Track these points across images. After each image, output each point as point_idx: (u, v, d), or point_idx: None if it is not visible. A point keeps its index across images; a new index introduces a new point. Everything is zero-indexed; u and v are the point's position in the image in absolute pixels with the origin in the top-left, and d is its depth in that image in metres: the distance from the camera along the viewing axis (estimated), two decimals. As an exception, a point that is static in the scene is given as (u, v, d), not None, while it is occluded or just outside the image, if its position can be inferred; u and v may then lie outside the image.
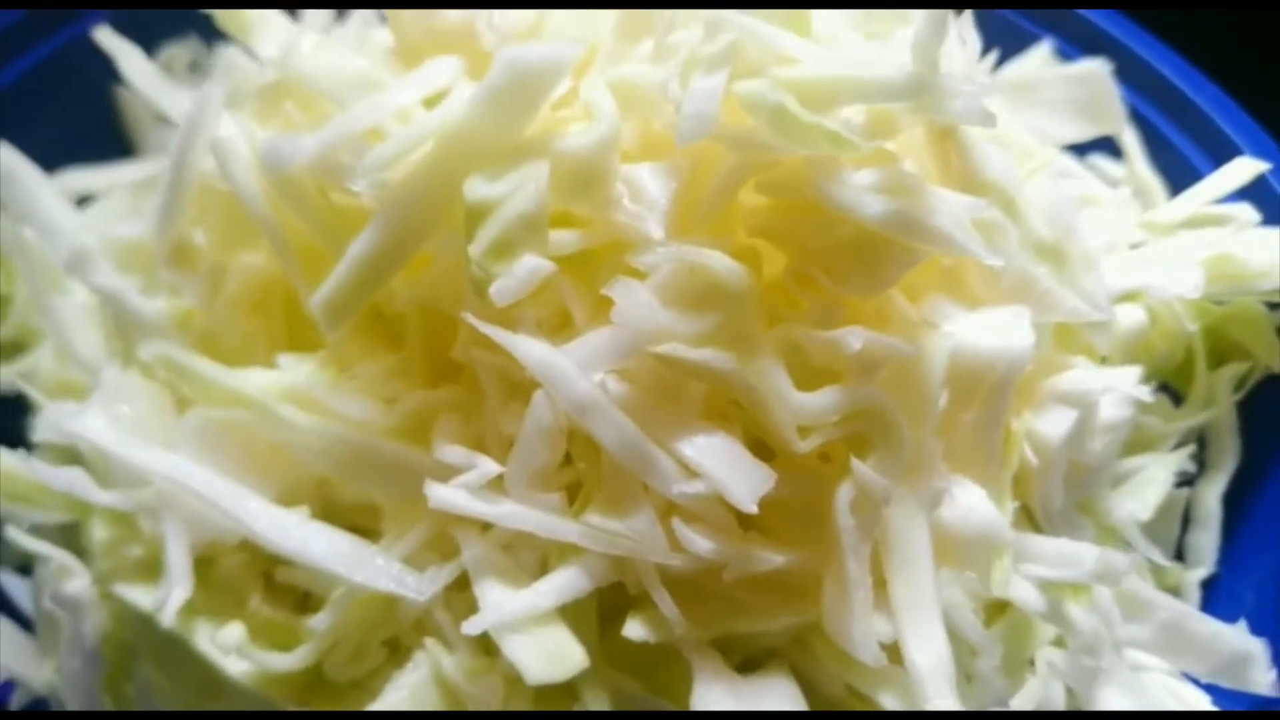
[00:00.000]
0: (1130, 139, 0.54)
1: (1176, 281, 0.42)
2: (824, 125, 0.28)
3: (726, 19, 0.30)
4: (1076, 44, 0.58)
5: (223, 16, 0.39)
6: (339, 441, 0.32)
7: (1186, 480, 0.48)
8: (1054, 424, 0.38)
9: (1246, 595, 0.47)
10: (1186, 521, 0.48)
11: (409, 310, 0.33)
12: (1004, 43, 0.57)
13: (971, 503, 0.34)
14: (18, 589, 0.43)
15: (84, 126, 0.50)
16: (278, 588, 0.35)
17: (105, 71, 0.46)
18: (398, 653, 0.34)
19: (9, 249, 0.41)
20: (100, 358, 0.39)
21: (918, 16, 0.30)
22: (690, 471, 0.29)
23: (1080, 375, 0.39)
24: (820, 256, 0.31)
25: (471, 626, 0.29)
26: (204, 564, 0.35)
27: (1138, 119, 0.55)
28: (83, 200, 0.48)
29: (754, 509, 0.29)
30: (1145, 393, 0.40)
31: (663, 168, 0.30)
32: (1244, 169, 0.46)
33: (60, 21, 0.50)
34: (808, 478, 0.31)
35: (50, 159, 0.49)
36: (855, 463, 0.30)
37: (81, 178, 0.47)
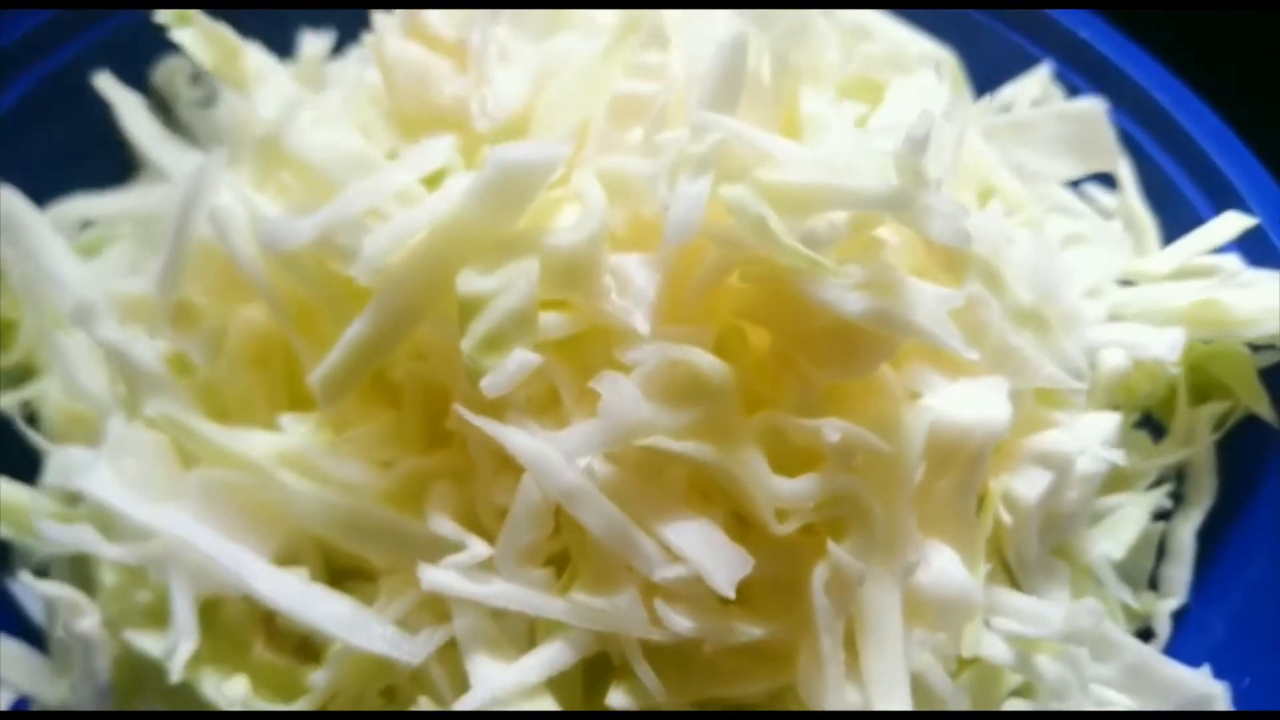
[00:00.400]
0: (1125, 170, 0.54)
1: (1157, 343, 0.42)
2: (801, 250, 0.29)
3: (713, 121, 0.31)
4: (1076, 68, 0.58)
5: (220, 66, 0.39)
6: (335, 507, 0.34)
7: (1163, 514, 0.49)
8: (1029, 485, 0.39)
9: (1216, 626, 0.49)
10: (1161, 553, 0.50)
11: (406, 380, 0.35)
12: (1004, 65, 0.58)
13: (944, 567, 0.36)
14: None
15: (91, 137, 0.51)
16: (279, 632, 0.37)
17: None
18: (394, 700, 0.36)
19: (17, 287, 0.42)
20: (106, 398, 0.40)
21: (906, 123, 0.30)
22: (672, 555, 0.31)
23: (1057, 436, 0.40)
24: (802, 343, 0.32)
25: (464, 706, 0.31)
26: (209, 609, 0.36)
27: (1133, 148, 0.55)
28: (85, 225, 0.49)
29: (731, 594, 0.30)
30: (1119, 456, 0.41)
31: (650, 259, 0.31)
32: (1232, 224, 0.47)
33: (70, 30, 0.51)
34: (786, 554, 0.32)
35: (55, 173, 0.51)
36: (831, 546, 0.32)
37: (83, 204, 0.48)
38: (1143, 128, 0.56)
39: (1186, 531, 0.49)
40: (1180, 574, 0.49)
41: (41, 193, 0.48)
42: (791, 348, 0.32)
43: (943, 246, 0.36)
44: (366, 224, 0.33)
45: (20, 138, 0.51)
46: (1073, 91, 0.57)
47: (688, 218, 0.30)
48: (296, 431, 0.35)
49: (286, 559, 0.36)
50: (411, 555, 0.33)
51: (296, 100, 0.36)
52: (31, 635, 0.43)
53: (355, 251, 0.32)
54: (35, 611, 0.44)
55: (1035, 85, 0.56)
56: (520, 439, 0.31)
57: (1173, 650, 0.48)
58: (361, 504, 0.34)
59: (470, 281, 0.31)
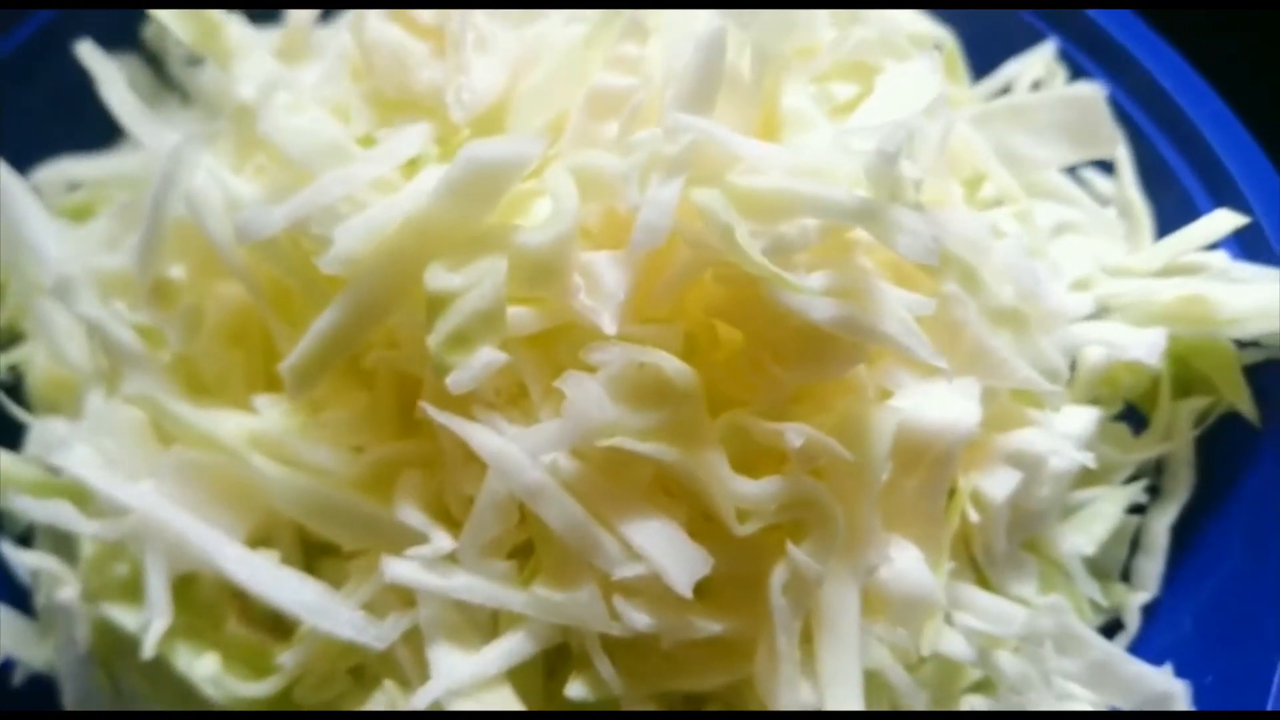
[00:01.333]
0: (1123, 157, 0.53)
1: (1137, 344, 0.42)
2: (764, 264, 0.29)
3: (686, 123, 0.30)
4: (1081, 45, 0.57)
5: (201, 41, 0.39)
6: (305, 491, 0.34)
7: (1139, 507, 0.49)
8: (998, 484, 0.39)
9: (1185, 621, 0.50)
10: (1136, 545, 0.50)
11: (378, 366, 0.35)
12: (1009, 39, 0.57)
13: (907, 565, 0.36)
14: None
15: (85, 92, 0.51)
16: (252, 608, 0.38)
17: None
18: (362, 679, 0.37)
19: (3, 254, 0.42)
20: (88, 368, 0.41)
21: (887, 123, 0.30)
22: (632, 553, 0.31)
23: (1030, 435, 0.40)
24: (771, 345, 0.32)
25: (422, 698, 0.32)
26: (184, 584, 0.37)
27: (1134, 132, 0.54)
28: (73, 186, 0.49)
29: (689, 594, 0.31)
30: (1089, 458, 0.41)
31: (621, 258, 0.31)
32: (1223, 222, 0.46)
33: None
34: (747, 553, 0.33)
35: (47, 129, 0.51)
36: (790, 548, 0.32)
37: (70, 167, 0.48)
38: (1145, 111, 0.55)
39: (1161, 526, 0.49)
40: (1152, 567, 0.49)
41: (33, 151, 0.49)
42: (761, 349, 0.33)
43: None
44: (340, 211, 0.33)
45: (12, 92, 0.51)
46: (1077, 71, 0.56)
47: (656, 222, 0.29)
48: (270, 413, 0.36)
49: (260, 538, 0.36)
50: (379, 542, 0.33)
51: (273, 81, 0.35)
52: (19, 595, 0.44)
53: (327, 240, 0.32)
54: (22, 573, 0.45)
55: (1039, 64, 0.55)
56: (484, 436, 0.31)
57: (1141, 642, 0.49)
58: (331, 489, 0.34)
59: (438, 277, 0.31)
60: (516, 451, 0.31)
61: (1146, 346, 0.42)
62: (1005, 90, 0.55)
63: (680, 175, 0.30)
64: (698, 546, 0.31)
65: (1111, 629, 0.49)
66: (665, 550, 0.31)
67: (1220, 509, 0.50)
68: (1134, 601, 0.49)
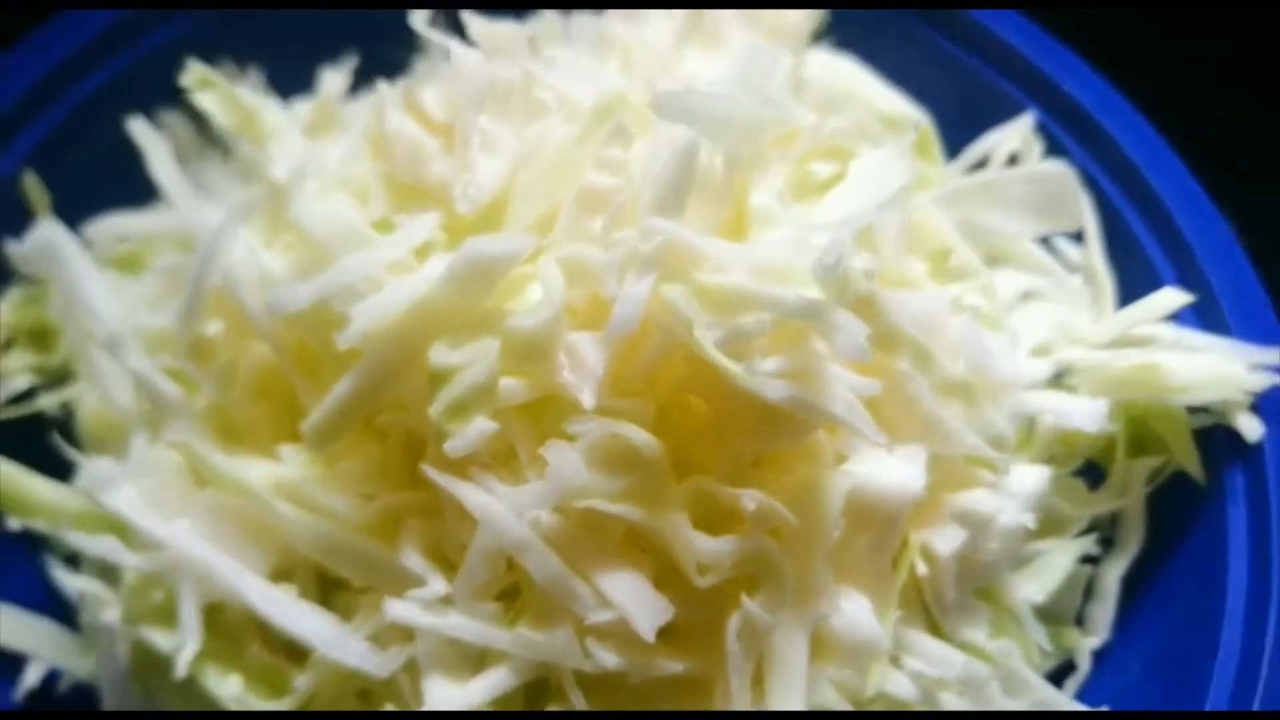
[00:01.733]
0: (1091, 226, 0.57)
1: (1079, 414, 0.46)
2: (717, 357, 0.33)
3: (659, 226, 0.35)
4: (1058, 118, 0.61)
5: (239, 127, 0.44)
6: (322, 534, 0.39)
7: (1094, 557, 0.53)
8: (945, 541, 0.43)
9: (1134, 666, 0.53)
10: (1090, 593, 0.54)
11: (389, 426, 0.39)
12: (989, 109, 0.60)
13: (855, 614, 0.40)
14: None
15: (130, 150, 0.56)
16: (272, 635, 0.42)
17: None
18: (368, 701, 0.41)
19: (59, 306, 0.47)
20: (133, 412, 0.46)
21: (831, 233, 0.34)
22: (604, 600, 0.36)
23: (979, 495, 0.44)
24: (732, 419, 0.37)
25: (414, 720, 0.36)
26: (213, 611, 0.42)
27: (1105, 202, 0.58)
28: (122, 239, 0.54)
29: (651, 638, 0.35)
30: (1029, 519, 0.45)
31: (600, 339, 0.36)
32: (1168, 300, 0.50)
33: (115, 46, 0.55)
34: (706, 602, 0.37)
35: (97, 183, 0.56)
36: (745, 599, 0.36)
37: (120, 222, 0.53)
38: (1115, 183, 0.58)
39: (1112, 576, 0.53)
40: (1103, 614, 0.53)
41: (86, 205, 0.54)
42: (724, 422, 0.37)
43: (878, 325, 0.40)
44: (359, 290, 0.38)
45: (66, 153, 0.56)
46: (1053, 142, 0.60)
47: (629, 313, 0.34)
48: (293, 462, 0.40)
49: (281, 573, 0.41)
50: (383, 582, 0.38)
51: (303, 166, 0.40)
52: (65, 611, 0.49)
53: (346, 316, 0.36)
54: (69, 589, 0.50)
55: (1015, 136, 0.59)
56: (475, 495, 0.35)
57: (1091, 684, 0.53)
58: (344, 532, 0.39)
59: (441, 354, 0.35)
60: (504, 509, 0.35)
61: (1089, 415, 0.46)
62: (983, 162, 0.59)
63: (652, 273, 0.34)
64: (661, 596, 0.36)
65: (1067, 671, 0.52)
66: (632, 598, 0.35)
67: (1169, 562, 0.54)
68: (1086, 645, 0.53)
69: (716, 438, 0.37)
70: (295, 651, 0.41)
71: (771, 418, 0.36)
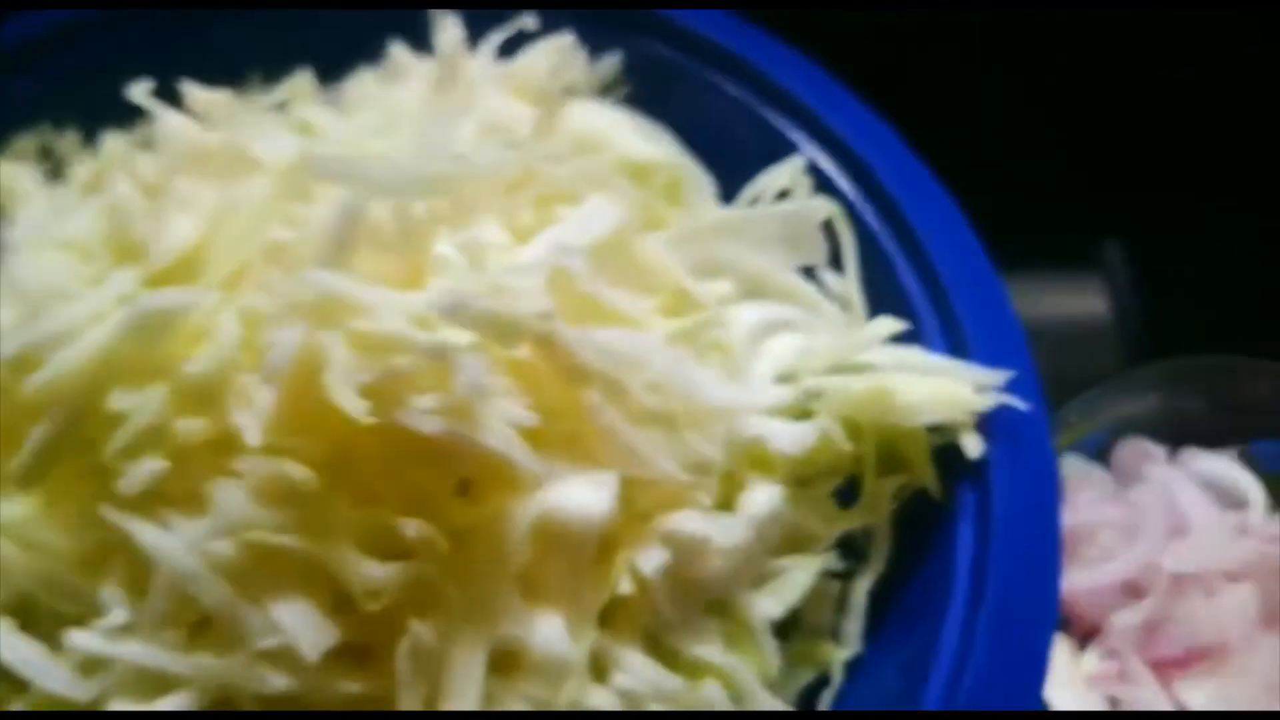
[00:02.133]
0: (850, 257, 0.60)
1: (783, 438, 0.49)
2: (345, 399, 0.36)
3: (314, 277, 0.38)
4: (832, 155, 0.64)
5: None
6: (37, 572, 0.42)
7: (843, 573, 0.56)
8: (649, 560, 0.46)
9: (889, 676, 0.56)
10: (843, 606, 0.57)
11: (97, 467, 0.42)
12: (762, 150, 0.64)
13: (547, 634, 0.43)
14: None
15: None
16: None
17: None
18: None
19: None
20: None
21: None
22: (273, 627, 0.38)
23: (681, 517, 0.47)
24: (400, 454, 0.40)
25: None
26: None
27: (868, 235, 0.61)
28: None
29: (316, 660, 0.38)
30: (749, 537, 0.47)
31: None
32: (882, 328, 0.53)
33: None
34: (378, 626, 0.40)
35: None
36: (412, 622, 0.39)
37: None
38: (878, 216, 0.62)
39: (860, 590, 0.56)
40: (853, 627, 0.56)
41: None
42: (396, 457, 0.40)
43: (564, 363, 0.43)
44: (63, 340, 0.41)
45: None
46: (822, 179, 0.63)
47: (279, 357, 0.37)
48: (15, 502, 0.43)
49: (12, 607, 0.44)
50: (87, 613, 0.41)
51: (35, 231, 0.43)
52: None
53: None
54: None
55: (785, 175, 0.63)
56: (147, 532, 0.38)
57: (848, 694, 0.55)
58: (57, 569, 0.42)
59: (118, 399, 0.38)
60: (174, 543, 0.38)
61: (791, 439, 0.49)
62: (755, 201, 0.63)
63: (306, 321, 0.37)
64: (327, 621, 0.39)
65: (822, 683, 0.55)
66: (299, 624, 0.38)
67: (917, 575, 0.56)
68: (839, 657, 0.55)
69: (390, 471, 0.40)
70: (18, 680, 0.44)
71: (432, 451, 0.39)
